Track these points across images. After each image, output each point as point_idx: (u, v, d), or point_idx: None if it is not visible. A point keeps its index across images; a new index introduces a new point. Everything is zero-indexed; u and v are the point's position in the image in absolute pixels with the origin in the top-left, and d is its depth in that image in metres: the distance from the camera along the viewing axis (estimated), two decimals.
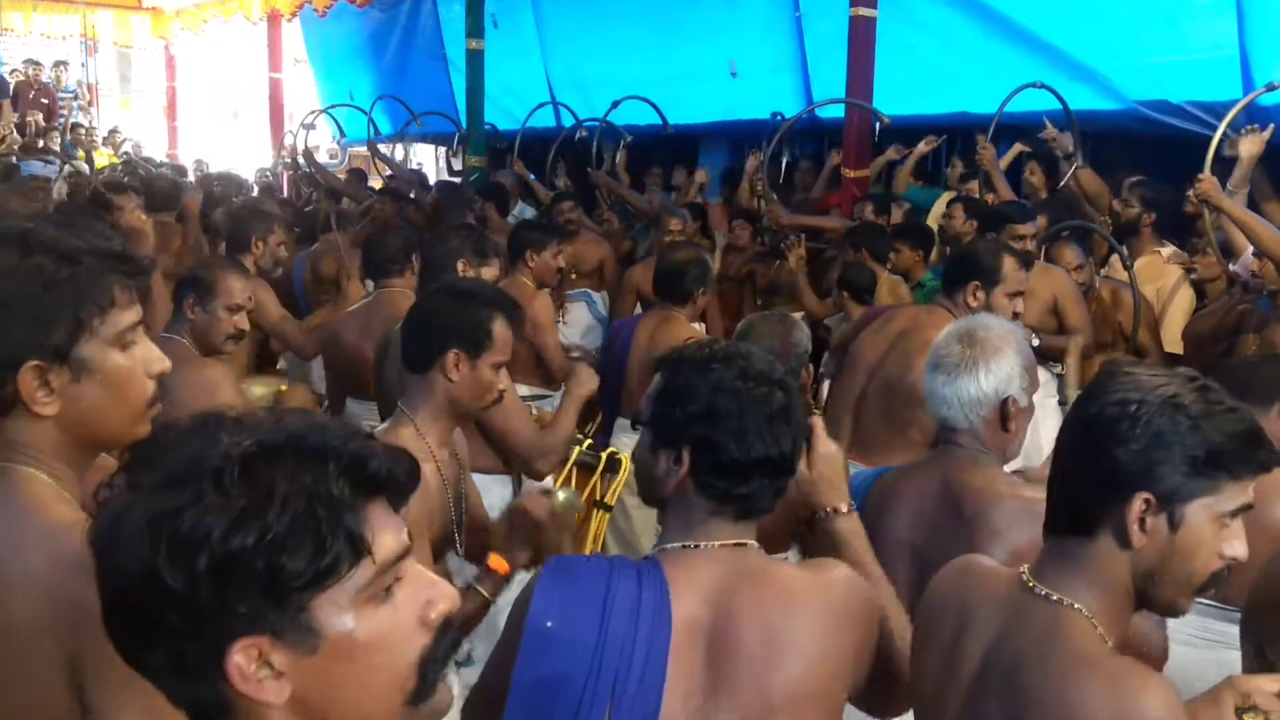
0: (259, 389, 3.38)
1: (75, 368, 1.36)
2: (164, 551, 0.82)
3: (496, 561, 2.17)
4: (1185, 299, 5.00)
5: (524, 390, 4.26)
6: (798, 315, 4.29)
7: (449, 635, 0.95)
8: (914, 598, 1.77)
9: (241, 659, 0.85)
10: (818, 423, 1.95)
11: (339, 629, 0.87)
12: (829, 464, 1.89)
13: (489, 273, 3.51)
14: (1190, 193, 5.46)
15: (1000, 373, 2.14)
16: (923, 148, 6.76)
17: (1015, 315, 3.32)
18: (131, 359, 1.42)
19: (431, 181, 9.79)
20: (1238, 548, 1.37)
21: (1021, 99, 5.87)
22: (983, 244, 3.52)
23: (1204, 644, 2.53)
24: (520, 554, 2.19)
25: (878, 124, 6.40)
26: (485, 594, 2.16)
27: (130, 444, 0.92)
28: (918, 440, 3.18)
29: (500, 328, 2.31)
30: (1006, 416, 2.15)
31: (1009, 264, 3.30)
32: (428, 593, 0.94)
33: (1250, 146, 4.27)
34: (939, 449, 2.25)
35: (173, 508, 0.83)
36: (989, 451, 2.18)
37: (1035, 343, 4.28)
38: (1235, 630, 2.59)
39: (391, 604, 0.91)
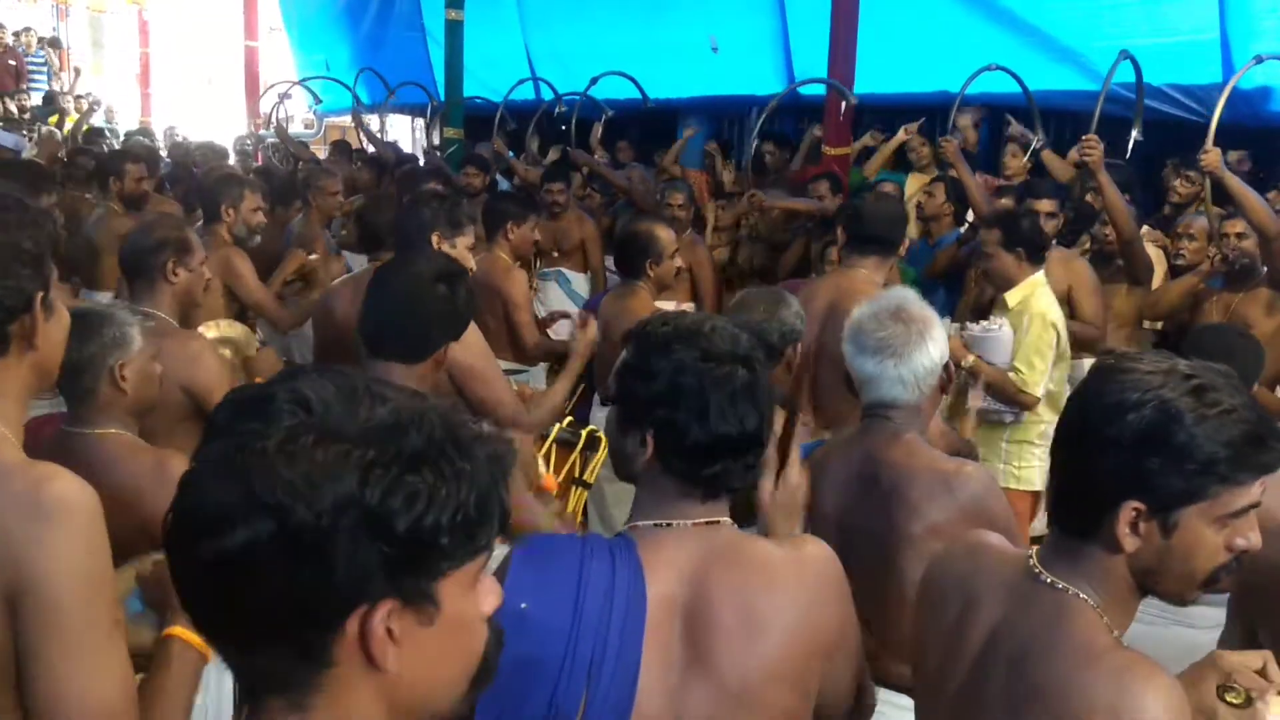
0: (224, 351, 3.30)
1: (46, 307, 1.48)
2: (359, 510, 0.83)
3: (550, 480, 2.20)
4: (1160, 273, 5.09)
5: (502, 366, 4.24)
6: None
7: (496, 629, 0.99)
8: None
9: (381, 619, 0.86)
10: (794, 453, 1.97)
11: (456, 605, 0.90)
12: (790, 495, 1.95)
13: (465, 241, 3.45)
14: (1177, 174, 5.53)
15: (941, 340, 2.21)
16: (902, 135, 6.74)
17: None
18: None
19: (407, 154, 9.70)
20: (1251, 538, 1.32)
21: (1002, 80, 5.87)
22: (886, 205, 3.65)
23: (1164, 622, 2.57)
24: None
25: (844, 103, 6.40)
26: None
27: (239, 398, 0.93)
28: None
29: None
30: (949, 379, 2.25)
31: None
32: (487, 585, 0.96)
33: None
34: (865, 423, 2.28)
35: (376, 466, 0.84)
36: (912, 425, 2.23)
37: None
38: (1198, 609, 2.63)
39: (476, 592, 0.94)
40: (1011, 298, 3.93)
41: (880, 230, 3.49)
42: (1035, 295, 3.92)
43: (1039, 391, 3.81)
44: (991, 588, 1.48)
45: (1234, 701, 1.38)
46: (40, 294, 1.44)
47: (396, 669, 0.88)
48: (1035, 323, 3.83)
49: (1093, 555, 1.38)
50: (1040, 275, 3.95)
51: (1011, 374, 3.79)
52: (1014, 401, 3.82)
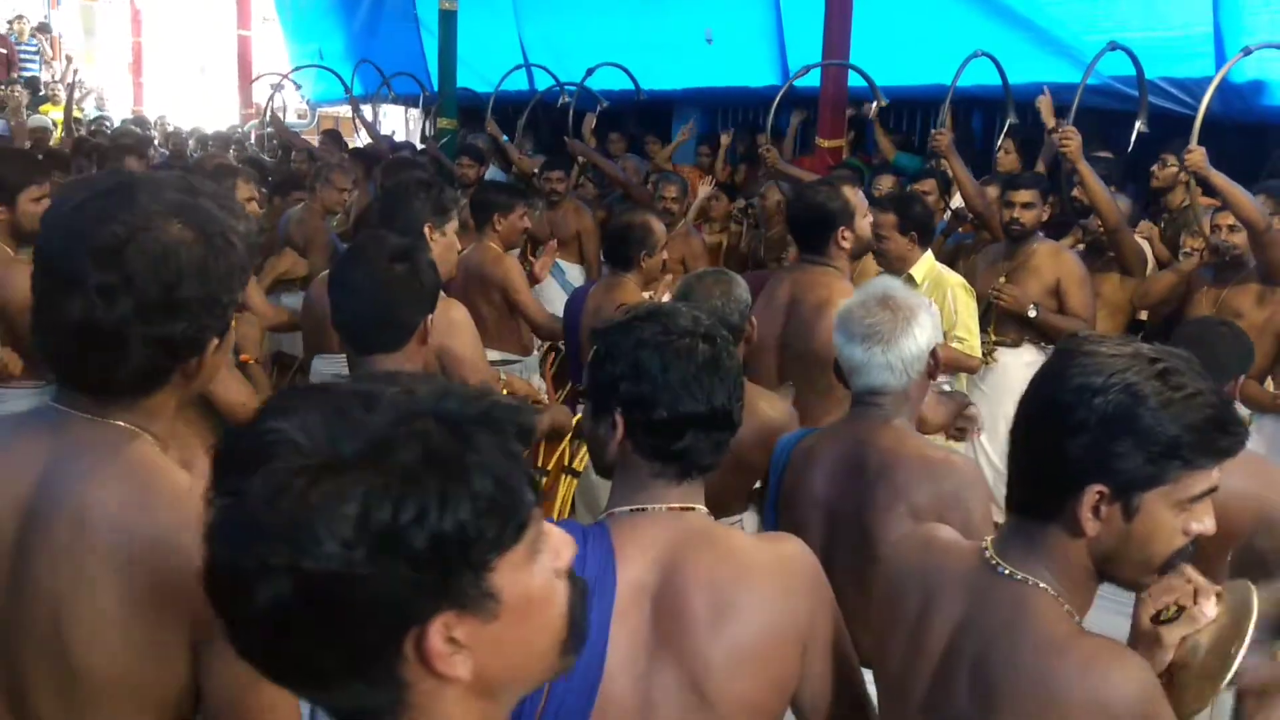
0: None
1: (219, 344, 1.41)
2: (369, 542, 0.77)
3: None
4: (1152, 265, 5.09)
5: (494, 356, 4.23)
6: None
7: (577, 580, 0.94)
8: (825, 555, 1.78)
9: (437, 638, 0.82)
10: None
11: (516, 589, 0.85)
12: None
13: (452, 226, 3.44)
14: (1157, 168, 5.53)
15: (927, 325, 2.22)
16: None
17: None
18: None
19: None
20: (1206, 523, 1.32)
21: (997, 73, 5.87)
22: (820, 191, 3.45)
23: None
24: None
25: (875, 104, 6.32)
26: None
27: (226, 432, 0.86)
28: (845, 398, 3.20)
29: None
30: (937, 365, 2.26)
31: (848, 190, 3.34)
32: (553, 541, 0.91)
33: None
34: (855, 410, 2.30)
35: (372, 493, 0.78)
36: (901, 411, 2.24)
37: (1033, 314, 4.37)
38: None
39: (540, 558, 0.89)
40: (918, 274, 4.06)
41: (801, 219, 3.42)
42: (940, 270, 4.14)
43: (980, 353, 4.16)
44: (949, 584, 1.46)
45: (1167, 617, 1.39)
46: (215, 340, 1.37)
47: (472, 671, 0.85)
48: (959, 293, 4.06)
49: (1052, 539, 1.37)
50: (930, 254, 4.17)
51: (955, 344, 3.98)
52: (963, 367, 4.08)
